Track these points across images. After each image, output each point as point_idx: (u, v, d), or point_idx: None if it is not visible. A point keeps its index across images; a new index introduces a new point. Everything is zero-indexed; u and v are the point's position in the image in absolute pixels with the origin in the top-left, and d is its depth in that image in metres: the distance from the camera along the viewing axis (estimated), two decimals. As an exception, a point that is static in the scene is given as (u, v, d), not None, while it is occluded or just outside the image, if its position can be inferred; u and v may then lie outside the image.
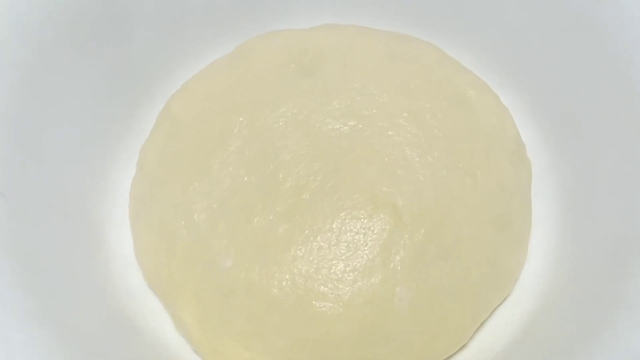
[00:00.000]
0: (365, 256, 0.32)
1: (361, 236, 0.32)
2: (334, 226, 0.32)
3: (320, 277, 0.32)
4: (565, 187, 0.36)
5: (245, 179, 0.34)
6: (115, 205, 0.36)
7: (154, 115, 0.38)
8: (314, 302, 0.31)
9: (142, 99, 0.38)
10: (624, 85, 0.33)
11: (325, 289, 0.31)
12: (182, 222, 0.33)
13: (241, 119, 0.35)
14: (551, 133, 0.37)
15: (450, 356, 0.33)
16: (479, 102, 0.36)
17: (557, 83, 0.37)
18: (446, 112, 0.35)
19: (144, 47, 0.37)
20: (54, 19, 0.34)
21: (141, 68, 0.38)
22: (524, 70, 0.38)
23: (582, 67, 0.35)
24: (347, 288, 0.31)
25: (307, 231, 0.32)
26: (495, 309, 0.34)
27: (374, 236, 0.32)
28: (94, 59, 0.36)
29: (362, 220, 0.32)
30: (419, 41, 0.38)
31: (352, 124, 0.35)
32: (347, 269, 0.32)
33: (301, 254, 0.32)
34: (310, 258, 0.32)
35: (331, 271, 0.32)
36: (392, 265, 0.32)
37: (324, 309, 0.31)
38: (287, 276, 0.32)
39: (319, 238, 0.32)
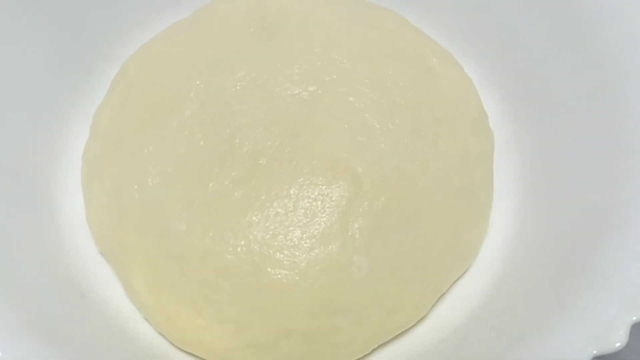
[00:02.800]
0: (322, 223, 0.31)
1: (319, 203, 0.31)
2: (292, 192, 0.32)
3: (276, 243, 0.31)
4: (527, 160, 0.36)
5: (201, 143, 0.33)
6: (69, 169, 0.35)
7: (110, 79, 0.36)
8: (269, 270, 0.30)
9: (97, 62, 0.37)
10: (588, 57, 0.33)
11: (281, 256, 0.31)
12: (135, 187, 0.32)
13: (198, 82, 0.34)
14: (513, 106, 0.37)
15: (409, 329, 0.32)
16: (442, 71, 0.35)
17: (520, 55, 0.36)
18: (409, 79, 0.34)
19: (100, 7, 0.36)
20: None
21: (97, 29, 0.37)
22: (486, 42, 0.38)
23: (545, 39, 0.35)
24: (304, 255, 0.30)
25: (263, 197, 0.31)
26: (455, 282, 0.34)
27: (332, 203, 0.31)
28: (47, 16, 0.34)
29: (320, 186, 0.32)
30: (382, 8, 0.38)
31: (312, 89, 0.34)
32: (304, 236, 0.31)
33: (257, 220, 0.31)
34: (267, 224, 0.31)
35: (287, 238, 0.31)
36: (350, 233, 0.31)
37: (279, 276, 0.30)
38: (242, 242, 0.31)
39: (275, 204, 0.31)
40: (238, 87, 0.34)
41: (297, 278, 0.30)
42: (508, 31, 0.36)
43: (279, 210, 0.31)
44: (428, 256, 0.32)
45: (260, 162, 0.32)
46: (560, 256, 0.31)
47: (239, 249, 0.31)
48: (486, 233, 0.35)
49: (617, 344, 0.26)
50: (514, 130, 0.37)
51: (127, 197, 0.32)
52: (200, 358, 0.32)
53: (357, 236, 0.31)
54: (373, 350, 0.32)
